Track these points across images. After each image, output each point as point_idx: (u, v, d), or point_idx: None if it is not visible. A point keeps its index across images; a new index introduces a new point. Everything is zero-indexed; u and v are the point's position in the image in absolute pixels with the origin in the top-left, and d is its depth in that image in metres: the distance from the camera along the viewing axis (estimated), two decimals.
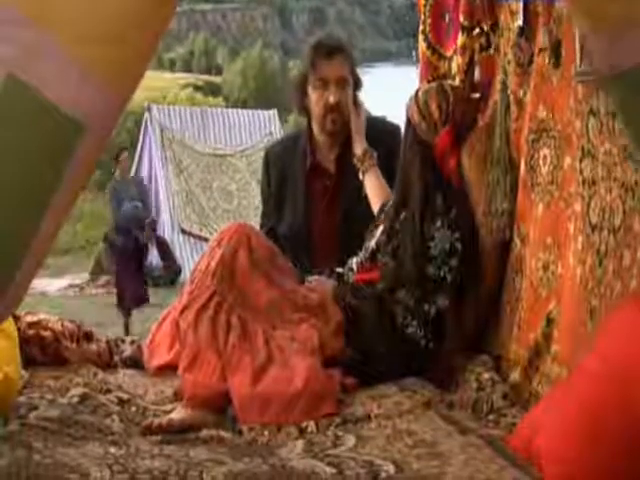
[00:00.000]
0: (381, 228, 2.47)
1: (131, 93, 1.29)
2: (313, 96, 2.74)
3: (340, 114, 2.72)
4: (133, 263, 8.32)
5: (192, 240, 11.48)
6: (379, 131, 2.82)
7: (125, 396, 2.15)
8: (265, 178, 2.96)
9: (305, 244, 2.79)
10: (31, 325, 2.33)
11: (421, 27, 2.84)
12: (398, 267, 2.33)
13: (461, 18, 2.53)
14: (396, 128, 2.89)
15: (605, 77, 1.49)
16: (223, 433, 1.94)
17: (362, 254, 2.48)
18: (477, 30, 2.51)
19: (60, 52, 1.18)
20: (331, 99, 2.70)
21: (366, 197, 2.70)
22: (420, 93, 2.43)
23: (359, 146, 2.72)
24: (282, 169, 2.88)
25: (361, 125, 2.75)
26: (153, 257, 11.19)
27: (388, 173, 2.70)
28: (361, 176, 2.70)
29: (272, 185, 2.90)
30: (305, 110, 2.81)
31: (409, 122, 2.45)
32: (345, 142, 2.78)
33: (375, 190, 2.67)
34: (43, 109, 1.19)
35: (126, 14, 1.21)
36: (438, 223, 2.32)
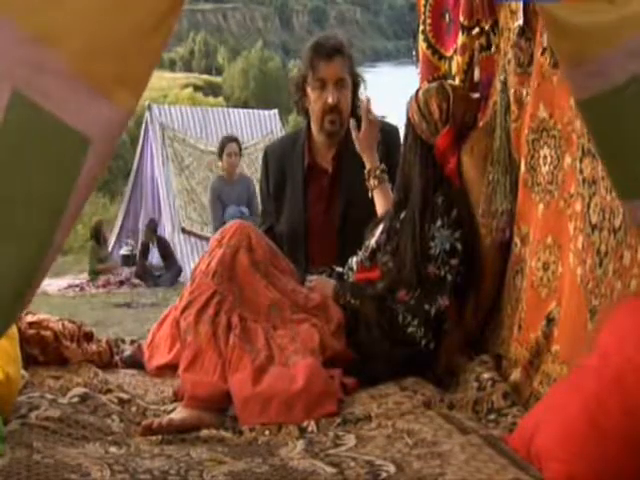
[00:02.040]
0: (381, 227, 2.47)
1: (135, 107, 1.29)
2: (312, 96, 2.75)
3: (338, 114, 2.74)
4: None
5: (193, 239, 11.45)
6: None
7: (125, 396, 2.15)
8: (264, 177, 2.97)
9: (303, 243, 2.80)
10: (31, 325, 2.33)
11: (421, 27, 2.84)
12: (398, 267, 2.33)
13: (461, 18, 2.53)
14: (394, 129, 2.89)
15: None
16: (223, 433, 1.94)
17: (362, 253, 2.48)
18: (477, 30, 2.51)
19: (64, 67, 1.19)
20: (329, 100, 2.71)
21: (363, 196, 2.71)
22: (420, 93, 2.43)
23: (368, 163, 2.69)
24: (281, 168, 2.89)
25: (368, 139, 2.68)
26: (153, 257, 11.19)
27: (387, 174, 2.71)
28: (370, 193, 2.69)
29: (270, 184, 2.92)
30: (304, 110, 2.82)
31: (409, 122, 2.45)
32: (342, 141, 2.79)
33: (382, 208, 2.64)
34: (49, 124, 1.20)
35: (129, 27, 1.22)
36: (438, 223, 2.31)
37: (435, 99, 2.38)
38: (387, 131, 2.88)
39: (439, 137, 2.37)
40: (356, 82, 2.80)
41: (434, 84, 2.46)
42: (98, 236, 11.70)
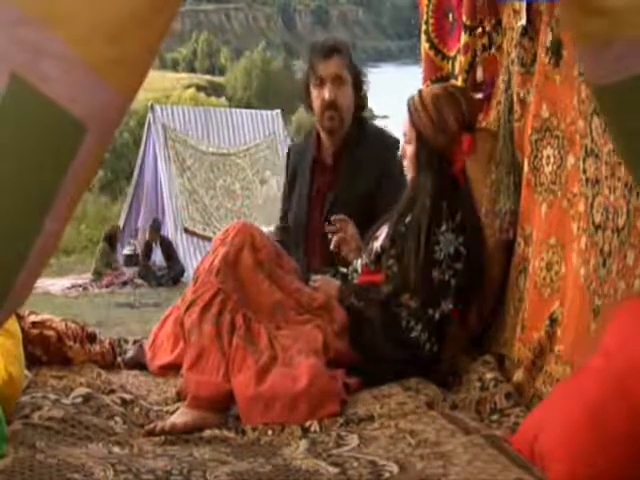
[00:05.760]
0: (385, 231, 2.45)
1: (134, 93, 1.29)
2: (313, 94, 2.83)
3: (337, 111, 2.78)
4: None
5: (195, 240, 11.46)
6: (377, 145, 2.82)
7: (128, 396, 2.15)
8: (285, 172, 3.07)
9: (302, 239, 2.84)
10: (35, 325, 2.33)
11: (423, 27, 2.84)
12: (403, 271, 2.32)
13: (464, 18, 2.53)
14: (395, 143, 2.83)
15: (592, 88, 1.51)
16: (226, 433, 1.94)
17: (366, 256, 2.47)
18: (479, 30, 2.50)
19: (64, 52, 1.19)
20: (326, 96, 2.76)
21: (351, 196, 2.74)
22: (430, 104, 2.33)
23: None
24: (296, 163, 2.98)
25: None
26: (157, 257, 11.20)
27: (382, 183, 2.72)
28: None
29: (288, 178, 3.01)
30: (311, 108, 2.88)
31: (419, 132, 2.38)
32: (343, 138, 2.82)
33: None
34: (46, 108, 1.20)
35: (129, 14, 1.22)
36: (443, 227, 2.29)
37: (451, 110, 2.32)
38: (387, 146, 2.82)
39: (465, 150, 2.32)
40: (358, 79, 2.83)
41: (441, 91, 2.38)
42: (112, 241, 11.72)
